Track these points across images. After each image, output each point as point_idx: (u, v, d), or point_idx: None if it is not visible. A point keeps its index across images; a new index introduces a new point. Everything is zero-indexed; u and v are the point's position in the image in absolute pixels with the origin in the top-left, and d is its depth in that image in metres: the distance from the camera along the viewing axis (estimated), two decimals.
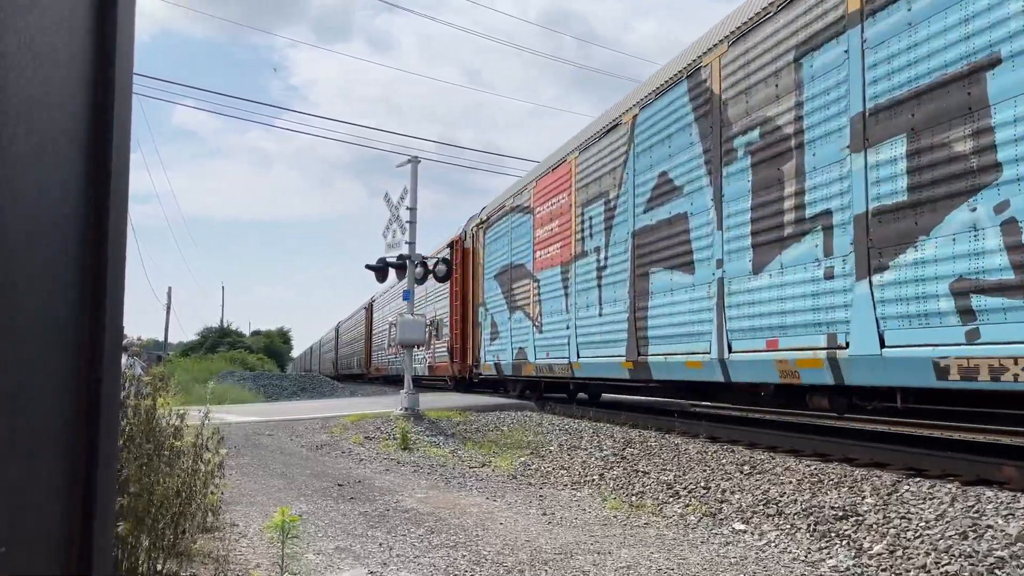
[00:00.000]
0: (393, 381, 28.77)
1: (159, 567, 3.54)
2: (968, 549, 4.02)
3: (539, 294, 13.33)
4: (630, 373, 10.02)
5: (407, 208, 12.52)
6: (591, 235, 11.31)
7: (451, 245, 19.73)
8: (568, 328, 12.00)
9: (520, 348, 14.29)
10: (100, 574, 1.15)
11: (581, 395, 15.69)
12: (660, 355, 9.19)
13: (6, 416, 0.97)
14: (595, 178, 11.26)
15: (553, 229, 12.79)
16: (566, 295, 12.14)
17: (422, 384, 26.62)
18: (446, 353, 20.50)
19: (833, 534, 4.67)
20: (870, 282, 6.00)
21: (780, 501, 5.40)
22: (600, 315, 10.85)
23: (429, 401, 13.75)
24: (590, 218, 11.37)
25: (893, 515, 4.69)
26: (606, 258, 10.73)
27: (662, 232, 9.21)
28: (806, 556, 4.46)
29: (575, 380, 12.63)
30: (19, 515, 1.00)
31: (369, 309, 36.82)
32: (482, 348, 17.04)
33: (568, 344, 11.98)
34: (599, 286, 10.90)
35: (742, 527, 5.18)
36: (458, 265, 18.61)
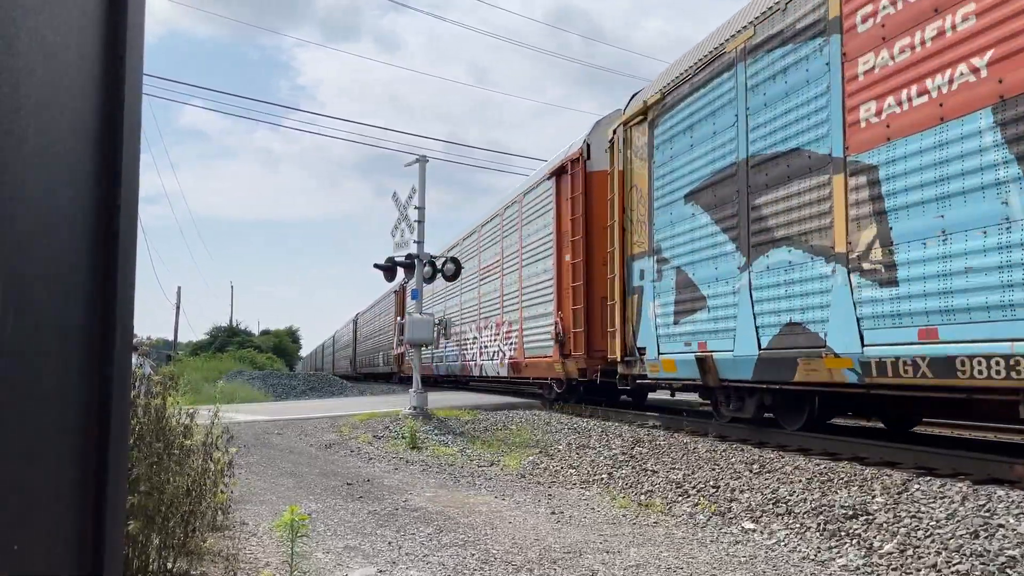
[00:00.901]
0: (439, 383, 23.34)
1: (169, 565, 3.55)
2: (979, 548, 4.00)
3: (879, 200, 6.10)
4: None
5: (415, 207, 12.54)
6: None
7: (557, 173, 13.37)
8: None
9: (788, 324, 7.08)
10: (111, 573, 1.15)
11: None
12: None
13: (17, 415, 0.97)
14: None
15: (963, 26, 5.55)
16: None
17: (465, 386, 21.51)
18: (550, 342, 13.25)
19: (843, 533, 4.65)
20: None
21: (789, 500, 5.38)
22: None
23: (437, 400, 13.75)
24: None
25: (903, 514, 4.67)
26: None
27: None
28: (816, 555, 4.44)
29: None
30: (31, 514, 1.01)
31: (401, 292, 28.66)
32: (646, 329, 9.69)
33: None
34: None
35: (752, 526, 5.17)
36: (571, 200, 12.66)
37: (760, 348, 7.44)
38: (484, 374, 18.18)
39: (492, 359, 17.05)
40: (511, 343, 15.69)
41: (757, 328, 7.51)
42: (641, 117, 10.12)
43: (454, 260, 13.54)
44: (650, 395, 13.30)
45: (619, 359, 10.54)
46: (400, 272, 13.22)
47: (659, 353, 9.42)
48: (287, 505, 4.14)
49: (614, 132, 10.96)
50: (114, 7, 1.18)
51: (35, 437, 1.01)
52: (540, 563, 4.26)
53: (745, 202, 7.75)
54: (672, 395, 11.04)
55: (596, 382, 12.08)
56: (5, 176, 0.93)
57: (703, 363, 8.42)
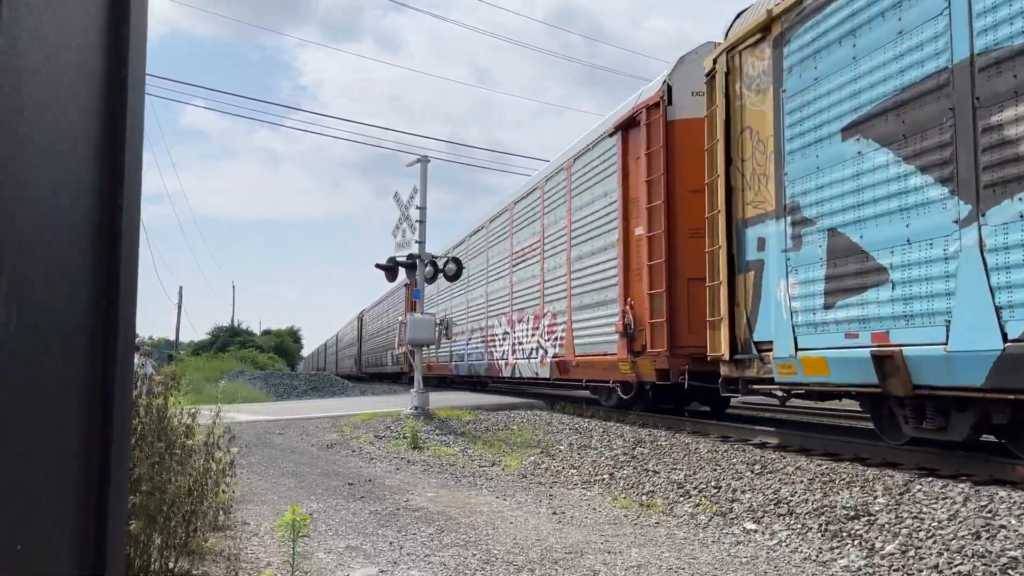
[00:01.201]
0: (454, 384, 22.78)
1: (171, 565, 3.56)
2: (981, 549, 4.00)
3: None
4: None
5: (416, 207, 12.54)
6: None
7: (624, 126, 10.84)
8: None
9: None
10: (113, 573, 1.15)
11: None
12: None
13: (17, 415, 0.97)
14: None
15: None
16: None
17: (484, 388, 20.57)
18: (613, 336, 10.80)
19: (845, 534, 4.65)
20: None
21: (791, 500, 5.38)
22: None
23: (439, 400, 13.75)
24: None
25: (905, 515, 4.66)
26: None
27: None
28: (817, 556, 4.44)
29: None
30: (32, 514, 1.01)
31: (412, 286, 26.18)
32: (772, 317, 7.37)
33: None
34: None
35: (753, 526, 5.16)
36: (647, 157, 10.08)
37: (1007, 340, 5.04)
38: (518, 375, 15.44)
39: (529, 357, 14.32)
40: (556, 339, 13.14)
41: (998, 309, 5.11)
42: (759, 35, 7.66)
43: (455, 260, 13.52)
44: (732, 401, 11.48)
45: (727, 357, 8.07)
46: (402, 272, 13.23)
47: (797, 348, 6.96)
48: (288, 505, 4.14)
49: (715, 63, 8.56)
50: (116, 7, 1.18)
51: (36, 437, 1.01)
52: (541, 563, 4.26)
53: (969, 123, 5.30)
54: (782, 403, 8.78)
55: (683, 386, 9.51)
56: (7, 176, 0.93)
57: (884, 362, 5.98)
